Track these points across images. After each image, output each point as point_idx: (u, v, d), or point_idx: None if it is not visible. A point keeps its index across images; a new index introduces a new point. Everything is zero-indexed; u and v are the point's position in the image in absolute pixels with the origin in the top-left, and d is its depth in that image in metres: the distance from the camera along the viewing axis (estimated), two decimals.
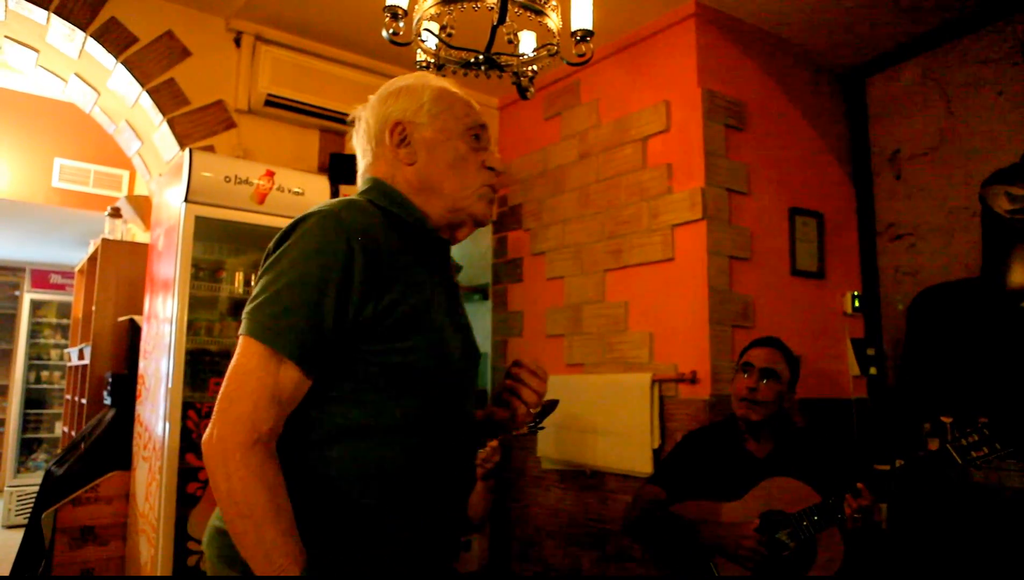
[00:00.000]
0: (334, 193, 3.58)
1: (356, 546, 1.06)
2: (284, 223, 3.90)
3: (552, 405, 2.93)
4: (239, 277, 3.44)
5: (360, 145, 1.35)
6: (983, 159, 3.55)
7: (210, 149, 3.68)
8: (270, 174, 3.34)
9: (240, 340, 1.09)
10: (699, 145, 3.40)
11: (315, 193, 3.48)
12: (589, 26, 2.35)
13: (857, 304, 3.89)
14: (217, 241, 3.49)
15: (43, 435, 8.14)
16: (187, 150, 3.19)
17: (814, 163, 3.93)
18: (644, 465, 3.29)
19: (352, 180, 3.84)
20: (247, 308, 1.12)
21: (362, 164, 1.35)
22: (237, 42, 3.84)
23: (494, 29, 2.32)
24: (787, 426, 2.44)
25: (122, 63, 3.55)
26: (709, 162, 3.39)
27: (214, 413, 1.06)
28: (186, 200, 3.16)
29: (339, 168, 3.84)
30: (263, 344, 1.05)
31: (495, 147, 1.39)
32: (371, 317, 1.09)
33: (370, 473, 1.08)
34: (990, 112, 3.55)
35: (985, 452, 1.96)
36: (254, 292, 1.13)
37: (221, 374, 3.25)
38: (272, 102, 3.78)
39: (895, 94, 3.99)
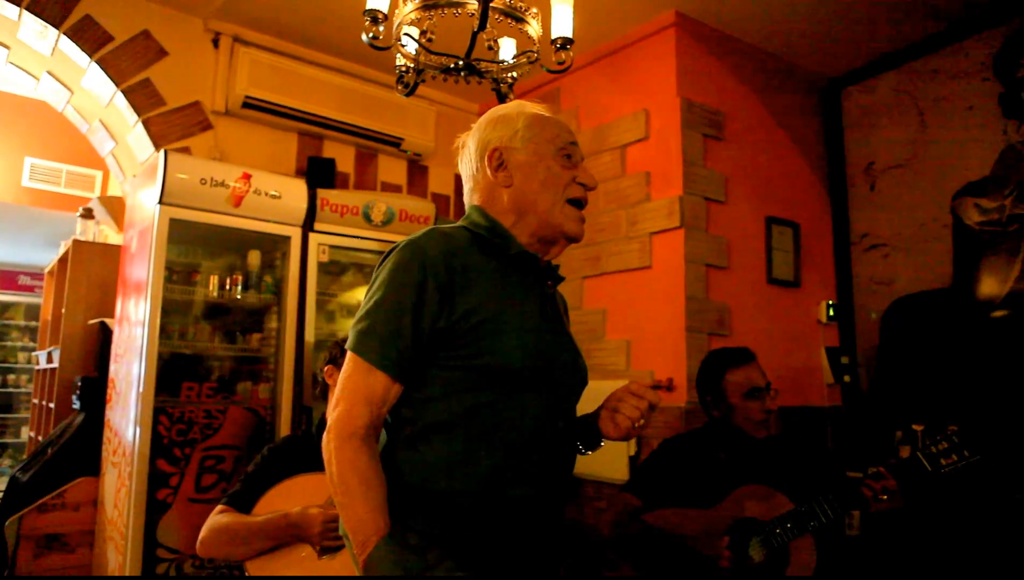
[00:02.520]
0: (311, 196, 3.57)
1: (445, 527, 1.22)
2: (260, 226, 3.86)
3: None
4: (214, 280, 3.42)
5: (464, 173, 1.47)
6: (954, 172, 3.63)
7: (186, 151, 3.65)
8: (247, 177, 3.33)
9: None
10: (677, 154, 3.44)
11: (292, 197, 3.47)
12: (569, 34, 2.37)
13: (832, 313, 3.95)
14: (192, 244, 3.48)
15: (8, 440, 7.98)
16: (162, 151, 3.16)
17: (790, 173, 3.99)
18: (620, 472, 3.31)
19: (330, 183, 3.84)
20: (352, 323, 1.33)
21: (466, 190, 1.48)
22: (215, 43, 3.82)
23: (474, 35, 2.34)
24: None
25: (96, 62, 3.51)
26: (687, 171, 3.43)
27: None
28: (160, 202, 3.13)
29: (317, 172, 3.83)
30: (357, 355, 1.26)
31: (583, 160, 1.46)
32: (446, 327, 1.24)
33: (455, 463, 1.23)
34: (961, 126, 3.63)
35: (954, 460, 2.00)
36: (359, 310, 1.33)
37: (194, 378, 3.25)
38: (250, 104, 3.76)
39: (870, 106, 4.06)
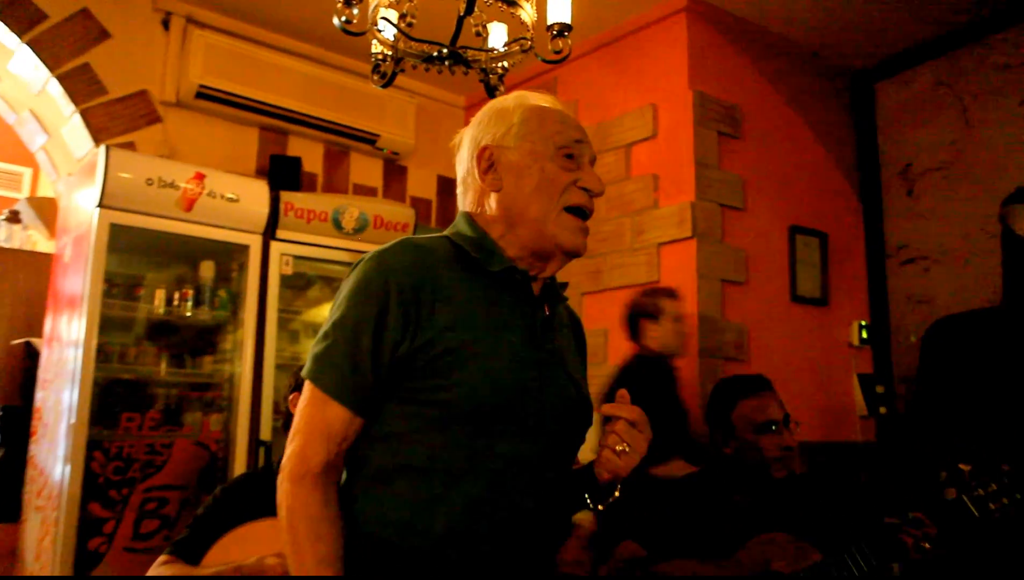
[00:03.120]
0: (274, 200, 3.57)
1: None
2: (215, 234, 3.87)
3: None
4: (160, 295, 3.41)
5: (458, 175, 1.45)
6: (1003, 174, 3.66)
7: (130, 146, 3.65)
8: (200, 177, 3.33)
9: None
10: (689, 154, 3.47)
11: (252, 200, 3.47)
12: (567, 20, 2.39)
13: (865, 335, 3.97)
14: (136, 253, 3.47)
15: None
16: (103, 147, 3.16)
17: (817, 177, 4.03)
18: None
19: (295, 185, 3.85)
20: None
21: (459, 194, 1.46)
22: (165, 24, 3.83)
23: (460, 20, 2.36)
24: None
25: (27, 43, 3.51)
26: (700, 173, 3.46)
27: None
28: (100, 205, 3.13)
29: (280, 172, 3.83)
30: (313, 383, 1.25)
31: (591, 162, 1.40)
32: (407, 354, 1.22)
33: (412, 516, 1.21)
34: (1011, 122, 3.67)
35: (1005, 503, 2.00)
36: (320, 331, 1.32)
37: (136, 408, 3.24)
38: (205, 94, 3.77)
39: (907, 101, 4.11)
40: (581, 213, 1.36)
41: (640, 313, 3.06)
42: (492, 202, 1.36)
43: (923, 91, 4.04)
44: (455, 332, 1.23)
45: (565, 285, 1.45)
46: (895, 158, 4.13)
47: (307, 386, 1.26)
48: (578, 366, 1.45)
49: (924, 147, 4.00)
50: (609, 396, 3.14)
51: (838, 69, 4.21)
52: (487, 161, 1.37)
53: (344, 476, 1.28)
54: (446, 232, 1.39)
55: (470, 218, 1.38)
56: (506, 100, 1.43)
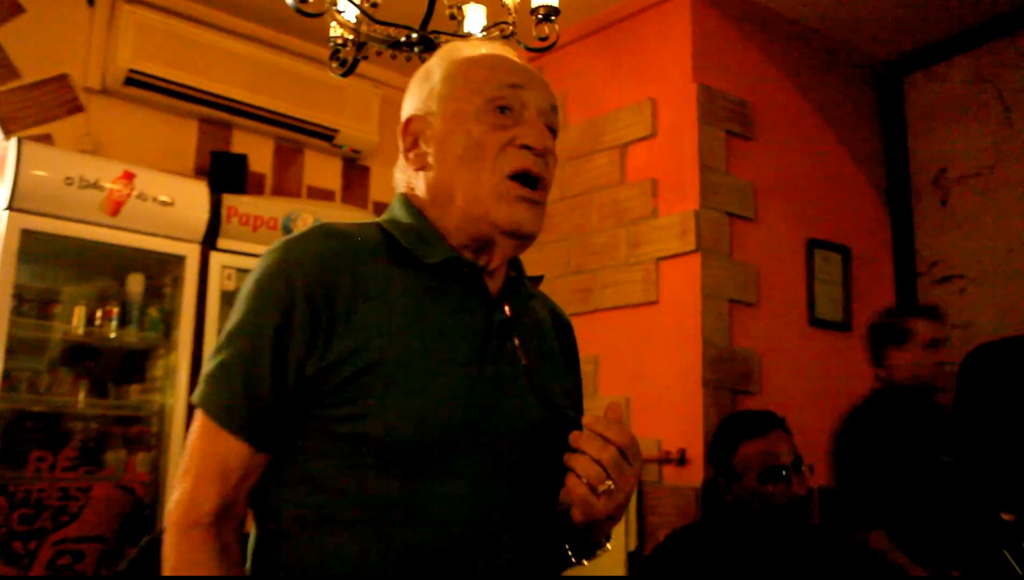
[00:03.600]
0: (215, 204, 3.55)
1: None
2: (145, 242, 3.82)
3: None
4: (80, 313, 3.38)
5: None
6: None
7: (46, 139, 3.62)
8: (128, 176, 3.31)
9: None
10: (693, 156, 3.48)
11: (189, 204, 3.45)
12: (555, 2, 2.40)
13: None
14: (51, 263, 3.44)
15: None
16: (14, 139, 3.14)
17: (839, 183, 4.05)
18: (616, 572, 3.28)
19: (241, 187, 3.83)
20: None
21: (395, 182, 1.39)
22: None
23: (432, 1, 2.36)
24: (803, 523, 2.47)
25: None
26: (705, 178, 3.47)
27: None
28: (10, 207, 3.09)
29: (223, 171, 3.82)
30: (202, 411, 1.15)
31: (539, 113, 1.26)
32: (316, 374, 1.12)
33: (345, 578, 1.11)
34: None
35: None
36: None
37: (48, 445, 3.19)
38: (136, 80, 3.75)
39: (940, 98, 4.14)
40: (526, 179, 1.23)
41: (884, 337, 2.96)
42: (420, 183, 1.28)
43: (959, 86, 4.07)
44: (377, 344, 1.13)
45: (539, 278, 1.38)
46: (927, 163, 4.16)
47: (197, 415, 1.16)
48: (560, 375, 1.35)
49: (960, 150, 4.03)
50: (845, 442, 3.02)
51: (863, 61, 4.24)
52: (411, 135, 1.30)
53: (254, 529, 1.19)
54: (378, 218, 1.31)
55: (406, 199, 1.30)
56: (434, 57, 1.35)
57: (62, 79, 3.73)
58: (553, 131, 1.28)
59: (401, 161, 1.33)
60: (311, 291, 1.13)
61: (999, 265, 3.85)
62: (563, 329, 1.44)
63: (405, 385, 1.11)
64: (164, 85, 3.80)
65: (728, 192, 3.54)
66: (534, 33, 2.40)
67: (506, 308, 1.26)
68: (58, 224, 3.19)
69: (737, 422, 2.53)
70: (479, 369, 1.18)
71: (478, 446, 1.15)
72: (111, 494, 3.24)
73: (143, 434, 3.45)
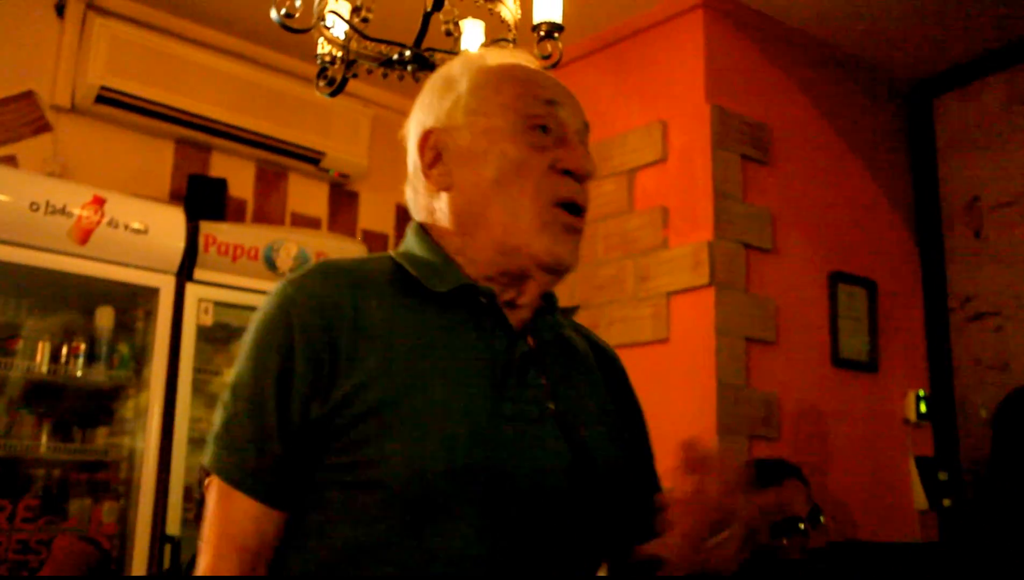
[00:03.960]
0: (192, 232, 3.58)
1: None
2: (116, 273, 3.82)
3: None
4: (43, 349, 3.40)
5: (409, 175, 1.36)
6: None
7: (11, 161, 3.65)
8: (99, 202, 3.34)
9: None
10: (706, 182, 3.53)
11: (163, 231, 3.48)
12: (558, 18, 2.46)
13: (924, 409, 4.01)
14: (13, 295, 3.46)
15: None
16: None
17: (864, 212, 4.10)
18: None
19: (220, 213, 3.86)
20: None
21: (408, 201, 1.37)
22: (59, 10, 3.85)
23: (427, 16, 2.42)
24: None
25: None
26: (719, 206, 3.52)
27: None
28: None
29: (201, 196, 3.85)
30: (215, 474, 1.15)
31: (576, 133, 1.25)
32: (321, 418, 1.12)
33: None
34: None
35: None
36: None
37: (6, 493, 3.15)
38: (108, 98, 3.79)
39: (973, 121, 4.20)
40: (571, 209, 1.22)
41: None
42: (443, 205, 1.26)
43: (993, 109, 4.12)
44: (380, 384, 1.11)
45: (573, 309, 1.37)
46: (959, 190, 4.20)
47: (211, 478, 1.17)
48: (602, 413, 1.29)
49: (995, 177, 4.07)
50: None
51: (889, 81, 4.31)
52: (432, 150, 1.27)
53: None
54: (391, 251, 1.30)
55: (420, 229, 1.29)
56: (453, 65, 1.32)
57: (28, 96, 3.76)
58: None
59: (416, 180, 1.31)
60: (310, 334, 1.13)
61: None
62: (607, 361, 1.41)
63: (411, 427, 1.09)
64: (138, 103, 3.84)
65: (744, 221, 3.59)
66: (536, 51, 2.44)
67: (529, 340, 1.24)
68: (22, 253, 3.20)
69: (748, 471, 2.56)
70: (496, 407, 1.15)
71: (492, 494, 1.11)
72: (74, 547, 3.23)
73: (110, 481, 3.45)
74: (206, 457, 1.17)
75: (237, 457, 1.14)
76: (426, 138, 1.28)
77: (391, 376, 1.12)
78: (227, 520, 1.13)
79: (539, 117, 1.22)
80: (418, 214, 1.32)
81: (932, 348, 4.18)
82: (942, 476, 3.95)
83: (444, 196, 1.25)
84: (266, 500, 1.13)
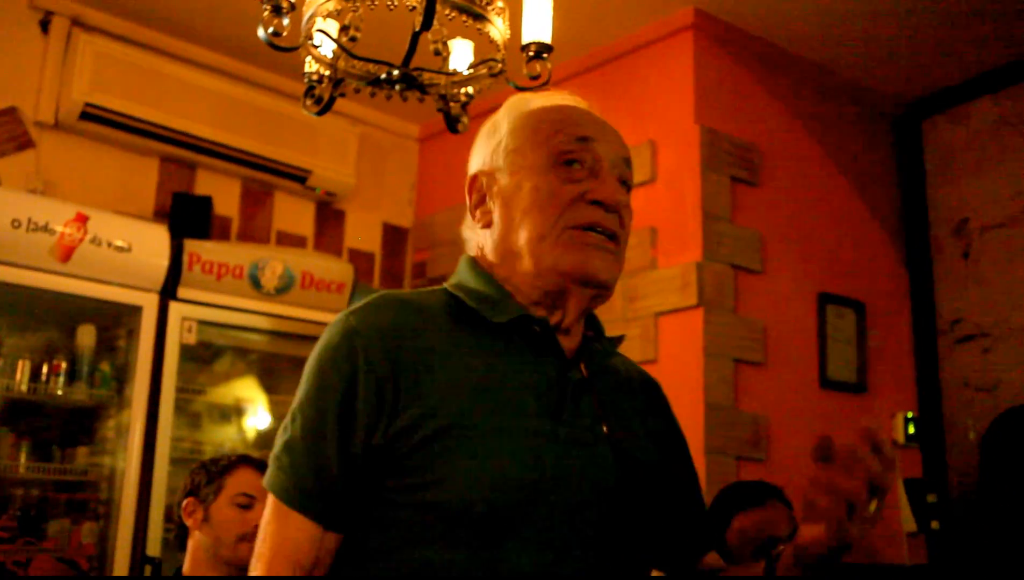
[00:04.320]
0: (176, 250, 3.57)
1: None
2: (98, 291, 3.82)
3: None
4: (23, 367, 3.39)
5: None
6: None
7: None
8: (82, 219, 3.33)
9: None
10: (695, 203, 3.54)
11: (147, 249, 3.48)
12: (547, 38, 2.46)
13: (912, 430, 4.02)
14: None
15: None
16: None
17: (853, 234, 4.12)
18: None
19: (204, 232, 3.85)
20: None
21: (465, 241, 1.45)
22: (44, 26, 3.85)
23: (416, 36, 2.42)
24: None
25: None
26: (708, 227, 3.53)
27: None
28: None
29: (186, 214, 3.84)
30: (271, 493, 1.22)
31: (612, 167, 1.30)
32: (384, 444, 1.18)
33: None
34: None
35: None
36: None
37: None
38: (92, 115, 3.79)
39: (962, 143, 4.22)
40: (595, 231, 1.27)
41: None
42: (487, 240, 1.34)
43: (982, 131, 4.15)
44: (445, 410, 1.18)
45: (619, 339, 1.41)
46: (948, 212, 4.23)
47: (268, 497, 1.22)
48: (648, 437, 1.36)
49: (983, 198, 4.10)
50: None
51: (878, 102, 4.34)
52: (478, 192, 1.36)
53: None
54: (445, 283, 1.37)
55: (472, 262, 1.36)
56: (500, 110, 1.40)
57: (11, 112, 3.76)
58: (627, 184, 1.33)
59: (468, 220, 1.39)
60: (374, 362, 1.19)
61: None
62: (650, 388, 1.49)
63: (474, 449, 1.16)
64: (123, 120, 3.84)
65: (733, 243, 3.60)
66: (525, 71, 2.44)
67: (582, 368, 1.30)
68: (3, 270, 3.20)
69: (730, 493, 2.56)
70: (553, 430, 1.22)
71: (553, 511, 1.18)
72: (52, 569, 3.21)
73: (90, 502, 3.43)
74: (265, 478, 1.24)
75: (295, 479, 1.19)
76: (474, 181, 1.37)
77: (453, 403, 1.18)
78: (282, 538, 1.19)
79: (571, 153, 1.29)
80: (471, 250, 1.40)
81: (920, 369, 4.19)
82: (931, 498, 3.95)
83: (487, 232, 1.34)
84: (321, 521, 1.18)
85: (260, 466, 2.46)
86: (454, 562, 1.14)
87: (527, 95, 1.42)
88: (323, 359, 1.23)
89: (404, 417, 1.17)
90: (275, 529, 1.19)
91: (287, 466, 1.20)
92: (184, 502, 2.43)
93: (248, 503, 2.38)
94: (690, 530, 1.39)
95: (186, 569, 2.43)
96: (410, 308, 1.28)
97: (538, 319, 1.27)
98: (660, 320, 3.55)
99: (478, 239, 1.36)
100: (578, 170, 1.28)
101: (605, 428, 1.27)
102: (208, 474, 2.44)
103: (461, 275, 1.36)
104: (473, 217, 1.37)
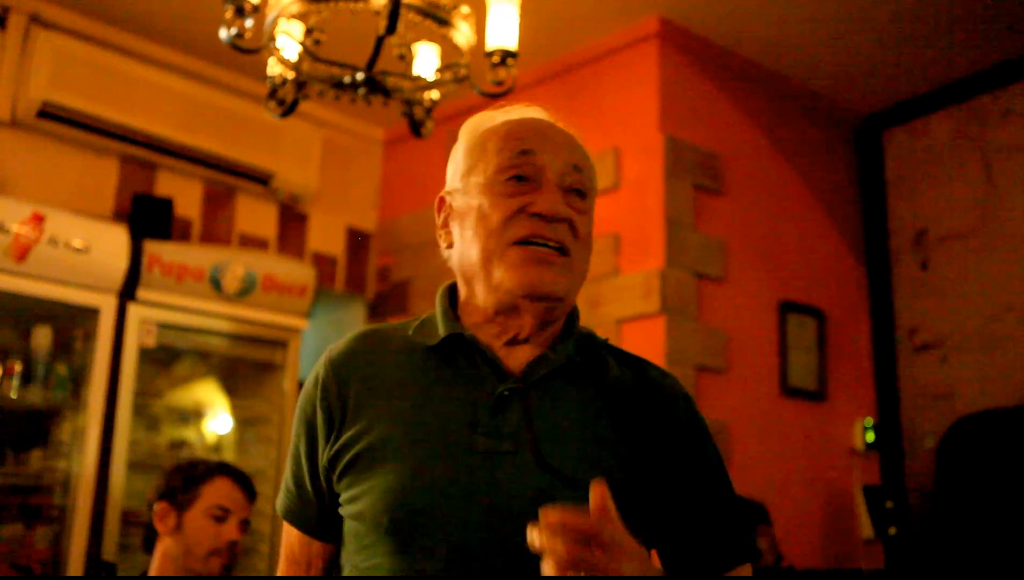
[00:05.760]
0: (135, 251, 3.55)
1: None
2: (55, 292, 3.79)
3: None
4: None
5: None
6: None
7: None
8: (38, 219, 3.30)
9: None
10: (658, 211, 3.57)
11: (106, 250, 3.45)
12: (512, 45, 2.48)
13: (871, 437, 4.07)
14: None
15: None
16: None
17: (814, 242, 4.17)
18: None
19: (165, 233, 3.82)
20: None
21: None
22: (1, 22, 3.81)
23: (380, 40, 2.42)
24: None
25: None
26: (671, 235, 3.56)
27: None
28: None
29: (145, 215, 3.82)
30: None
31: (558, 176, 1.30)
32: (327, 461, 1.33)
33: None
34: None
35: None
36: None
37: None
38: (50, 113, 3.76)
39: (921, 154, 4.29)
40: (534, 244, 1.27)
41: None
42: (453, 262, 1.39)
43: (941, 143, 4.22)
44: (375, 431, 1.29)
45: (586, 340, 1.36)
46: (907, 222, 4.29)
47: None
48: (584, 441, 1.28)
49: (942, 210, 4.16)
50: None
51: (840, 114, 4.40)
52: (442, 213, 1.41)
53: None
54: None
55: (444, 288, 1.43)
56: (462, 128, 1.43)
57: None
58: (579, 191, 1.32)
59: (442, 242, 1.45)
60: (328, 389, 1.35)
61: (983, 332, 3.95)
62: (652, 392, 1.37)
63: (387, 467, 1.26)
64: (82, 119, 3.81)
65: (696, 250, 3.63)
66: (489, 77, 2.46)
67: (519, 376, 1.29)
68: None
69: None
70: (469, 443, 1.26)
71: (461, 522, 1.22)
72: (5, 574, 3.18)
73: (44, 506, 3.39)
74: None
75: (284, 497, 1.42)
76: (440, 203, 1.42)
77: (384, 425, 1.29)
78: (286, 543, 1.44)
79: (515, 168, 1.30)
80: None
81: (880, 377, 4.24)
82: (889, 504, 3.99)
83: (450, 252, 1.40)
84: (304, 530, 1.40)
85: (238, 477, 2.46)
86: (380, 568, 1.25)
87: (485, 114, 1.44)
88: (302, 392, 1.41)
89: (344, 437, 1.31)
90: (283, 537, 1.44)
91: (281, 485, 1.43)
92: (157, 505, 2.40)
93: (223, 516, 2.36)
94: (692, 540, 1.31)
95: (152, 574, 2.40)
96: (375, 338, 1.41)
97: (467, 336, 1.32)
98: (622, 327, 3.58)
99: (447, 259, 1.42)
100: (523, 184, 1.29)
101: (530, 435, 1.26)
102: (185, 479, 2.39)
103: (436, 300, 1.42)
104: (439, 238, 1.42)
